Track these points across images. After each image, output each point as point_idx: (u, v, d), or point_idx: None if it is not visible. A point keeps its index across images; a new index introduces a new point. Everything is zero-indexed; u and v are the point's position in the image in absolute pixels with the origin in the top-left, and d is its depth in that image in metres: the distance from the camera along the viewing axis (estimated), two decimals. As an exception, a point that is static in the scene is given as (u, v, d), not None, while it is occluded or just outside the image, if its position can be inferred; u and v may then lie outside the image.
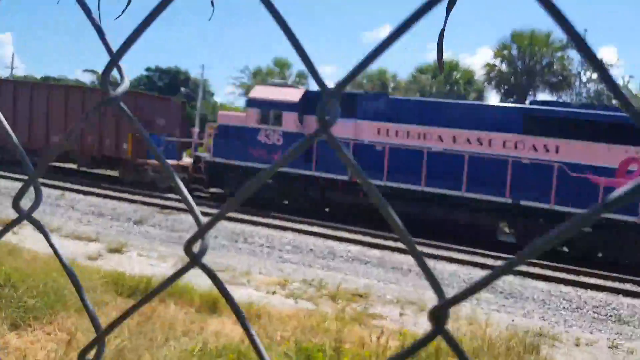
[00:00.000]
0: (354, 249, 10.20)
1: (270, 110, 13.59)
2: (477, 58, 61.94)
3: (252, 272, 7.75)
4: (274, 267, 8.33)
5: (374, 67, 38.92)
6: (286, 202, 14.14)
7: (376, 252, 10.12)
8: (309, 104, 13.28)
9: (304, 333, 5.18)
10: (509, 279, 9.16)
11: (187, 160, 17.22)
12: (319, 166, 13.00)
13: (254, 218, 12.07)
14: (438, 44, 0.77)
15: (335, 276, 7.97)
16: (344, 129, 12.49)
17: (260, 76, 28.98)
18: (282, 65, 29.63)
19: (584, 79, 20.19)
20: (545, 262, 10.73)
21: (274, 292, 6.82)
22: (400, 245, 10.73)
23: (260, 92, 14.32)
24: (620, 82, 22.27)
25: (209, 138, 15.35)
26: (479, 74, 24.31)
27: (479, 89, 24.17)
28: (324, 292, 6.98)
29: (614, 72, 19.60)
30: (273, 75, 28.59)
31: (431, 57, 50.20)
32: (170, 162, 16.40)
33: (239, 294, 6.27)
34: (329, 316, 5.75)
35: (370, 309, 6.60)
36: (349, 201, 12.93)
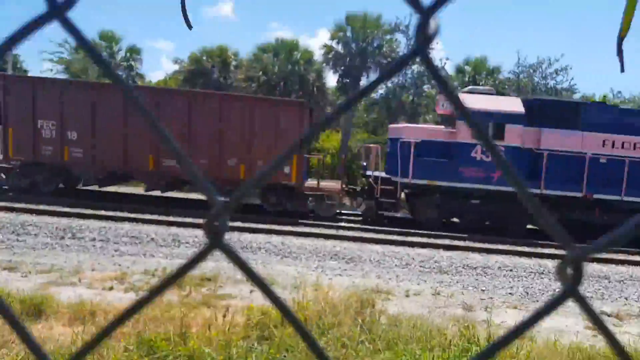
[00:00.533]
0: (200, 233, 9.84)
1: (489, 122, 11.72)
2: (316, 39, 64.44)
3: (83, 269, 6.95)
4: (109, 261, 7.59)
5: (214, 42, 37.52)
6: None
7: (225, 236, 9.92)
8: (532, 114, 12.09)
9: (146, 325, 4.83)
10: (350, 245, 9.87)
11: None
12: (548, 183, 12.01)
13: (83, 210, 10.84)
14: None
15: (180, 264, 7.58)
16: (565, 140, 11.91)
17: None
18: (109, 38, 26.67)
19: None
20: (379, 228, 11.80)
21: (110, 288, 6.22)
22: (250, 225, 10.70)
23: (475, 102, 11.83)
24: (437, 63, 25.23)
25: (375, 157, 13.29)
26: (318, 54, 25.21)
27: (318, 70, 25.09)
28: (169, 280, 6.59)
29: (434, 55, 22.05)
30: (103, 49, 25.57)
31: (273, 36, 50.86)
32: (313, 183, 13.54)
33: (66, 295, 5.56)
34: (174, 304, 5.46)
35: (220, 290, 6.47)
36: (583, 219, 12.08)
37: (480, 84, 21.57)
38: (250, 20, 64.99)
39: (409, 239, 10.87)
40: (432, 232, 11.68)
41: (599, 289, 8.10)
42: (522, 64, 20.15)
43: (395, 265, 8.70)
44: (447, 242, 10.90)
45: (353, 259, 8.81)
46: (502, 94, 19.86)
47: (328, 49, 24.57)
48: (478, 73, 22.94)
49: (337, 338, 4.28)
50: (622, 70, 1.02)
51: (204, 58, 25.59)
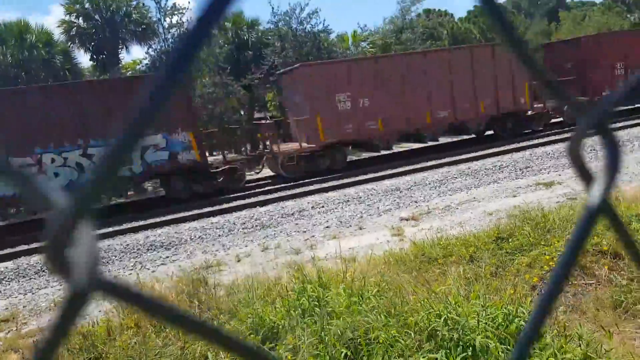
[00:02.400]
0: None
1: None
2: (51, 17, 55.22)
3: None
4: None
5: None
6: None
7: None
8: None
9: None
10: (164, 231, 9.28)
11: None
12: None
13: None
14: None
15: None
16: None
17: None
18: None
19: (166, 24, 20.83)
20: (192, 204, 11.38)
21: None
22: None
23: None
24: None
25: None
26: (58, 33, 21.75)
27: (65, 50, 21.75)
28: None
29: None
30: None
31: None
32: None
33: None
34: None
35: (25, 328, 5.44)
36: None
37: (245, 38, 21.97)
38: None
39: (225, 205, 10.78)
40: (243, 193, 11.84)
41: (395, 200, 9.36)
42: (277, 12, 20.97)
43: (219, 235, 8.55)
44: (261, 198, 11.14)
45: (172, 244, 8.33)
46: (267, 44, 20.28)
47: (67, 25, 21.50)
48: (240, 28, 23.00)
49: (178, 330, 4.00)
50: None
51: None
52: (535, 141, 13.83)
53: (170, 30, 20.66)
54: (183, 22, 20.36)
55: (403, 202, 9.11)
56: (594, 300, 3.74)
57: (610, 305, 3.62)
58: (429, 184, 10.42)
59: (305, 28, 20.67)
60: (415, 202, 9.06)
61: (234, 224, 9.12)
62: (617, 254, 4.43)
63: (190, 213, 10.34)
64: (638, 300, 3.57)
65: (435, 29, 28.09)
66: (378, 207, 8.99)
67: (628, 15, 34.11)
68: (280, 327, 3.84)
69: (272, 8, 21.77)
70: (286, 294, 4.40)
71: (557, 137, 14.02)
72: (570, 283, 4.08)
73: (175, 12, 20.49)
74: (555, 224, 5.36)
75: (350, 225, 8.01)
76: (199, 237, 8.56)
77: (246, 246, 7.67)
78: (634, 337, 3.18)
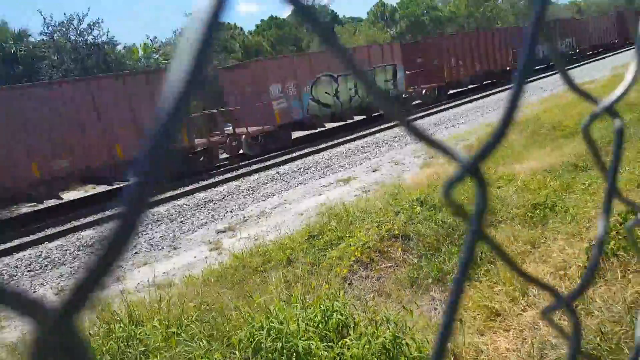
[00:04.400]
0: None
1: None
2: None
3: None
4: None
5: None
6: None
7: None
8: None
9: None
10: None
11: None
12: None
13: None
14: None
15: None
16: None
17: None
18: None
19: None
20: None
21: None
22: None
23: None
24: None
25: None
26: None
27: None
28: None
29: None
30: None
31: None
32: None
33: None
34: None
35: None
36: None
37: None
38: None
39: (7, 245, 8.96)
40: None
41: (210, 213, 9.08)
42: (50, 23, 18.70)
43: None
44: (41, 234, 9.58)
45: None
46: (42, 57, 17.95)
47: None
48: (4, 41, 19.81)
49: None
50: None
51: None
52: (334, 141, 15.06)
53: None
54: None
55: (218, 214, 8.90)
56: (394, 282, 4.18)
57: (408, 283, 4.09)
58: (243, 191, 10.43)
59: (86, 39, 18.74)
60: (231, 211, 8.95)
61: (17, 266, 7.63)
62: (407, 235, 5.06)
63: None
64: (427, 274, 4.11)
65: (228, 42, 28.60)
66: (192, 223, 8.60)
67: (388, 30, 40.15)
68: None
69: (44, 18, 19.14)
70: (89, 341, 3.80)
71: (346, 138, 15.39)
72: (373, 269, 4.49)
73: None
74: (356, 216, 5.86)
75: (163, 248, 7.47)
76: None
77: (35, 292, 6.48)
78: (430, 309, 3.64)
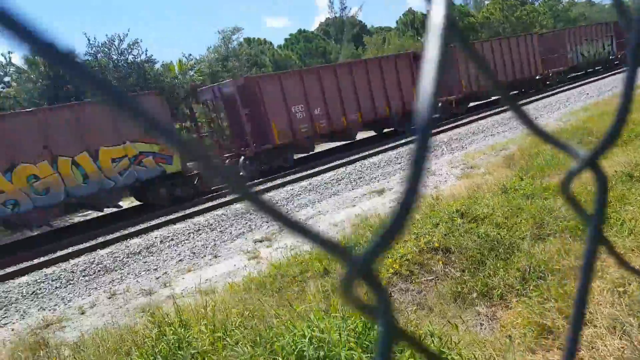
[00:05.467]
0: None
1: None
2: None
3: None
4: None
5: None
6: None
7: None
8: None
9: None
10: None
11: None
12: None
13: None
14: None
15: None
16: None
17: None
18: None
19: None
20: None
21: None
22: None
23: None
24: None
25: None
26: None
27: None
28: None
29: None
30: None
31: None
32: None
33: None
34: None
35: None
36: None
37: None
38: None
39: (60, 252, 9.63)
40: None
41: (247, 222, 9.48)
42: (94, 44, 19.85)
43: (56, 287, 7.61)
44: (101, 239, 10.23)
45: (1, 304, 7.16)
46: None
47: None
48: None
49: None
50: None
51: None
52: (364, 153, 15.31)
53: None
54: None
55: (255, 224, 9.28)
56: (436, 295, 4.35)
57: (451, 298, 4.24)
58: (277, 202, 10.80)
59: (127, 59, 19.81)
60: (267, 222, 9.30)
61: (72, 272, 8.22)
62: (447, 248, 5.17)
63: (15, 268, 8.98)
64: (471, 289, 4.26)
65: (258, 57, 29.46)
66: (231, 232, 9.01)
67: (419, 38, 40.07)
68: (140, 379, 3.64)
69: (88, 40, 20.36)
70: (142, 342, 4.16)
71: (383, 147, 15.67)
72: (413, 281, 4.68)
73: None
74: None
75: (205, 255, 7.89)
76: (32, 293, 7.50)
77: (89, 295, 6.99)
78: (475, 324, 3.80)
